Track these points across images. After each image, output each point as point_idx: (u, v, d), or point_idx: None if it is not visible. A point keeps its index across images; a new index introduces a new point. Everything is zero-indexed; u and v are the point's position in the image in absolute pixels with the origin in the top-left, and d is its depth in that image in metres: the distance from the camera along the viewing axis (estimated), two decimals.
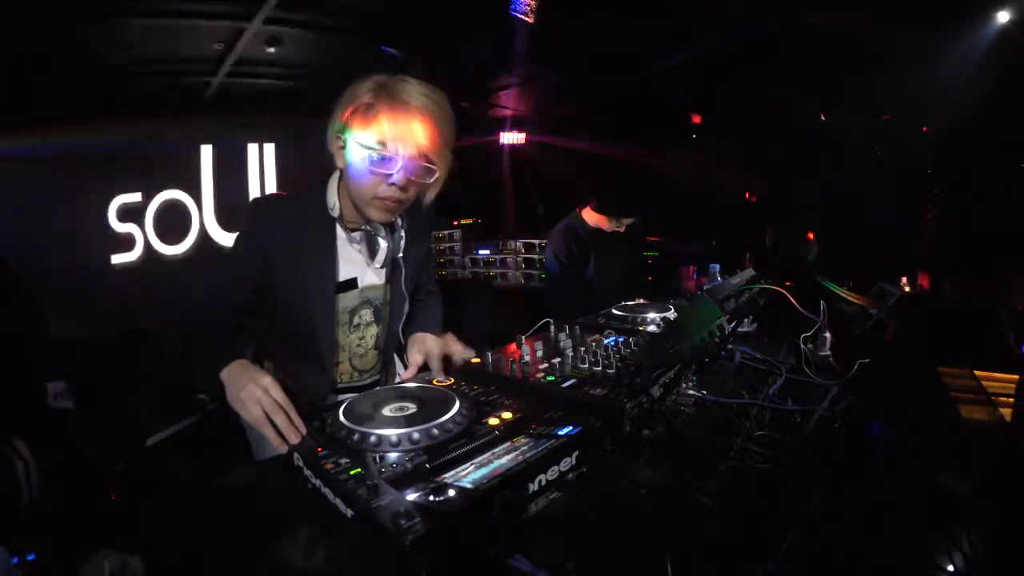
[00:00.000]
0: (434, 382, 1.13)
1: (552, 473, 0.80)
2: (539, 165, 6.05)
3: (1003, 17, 3.64)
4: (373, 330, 1.39)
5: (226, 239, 4.89)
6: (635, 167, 5.06)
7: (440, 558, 0.62)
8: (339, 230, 1.28)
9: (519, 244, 5.03)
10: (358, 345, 1.37)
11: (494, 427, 0.89)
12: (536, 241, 4.92)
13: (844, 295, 1.55)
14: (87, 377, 3.20)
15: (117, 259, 4.33)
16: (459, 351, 1.25)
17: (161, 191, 4.52)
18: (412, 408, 0.95)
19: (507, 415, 0.93)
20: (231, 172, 4.87)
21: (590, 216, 2.84)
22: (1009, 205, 3.89)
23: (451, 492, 0.69)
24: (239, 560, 0.74)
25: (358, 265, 1.32)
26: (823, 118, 5.18)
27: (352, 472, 0.76)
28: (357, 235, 1.29)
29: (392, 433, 0.84)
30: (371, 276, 1.34)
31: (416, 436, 0.84)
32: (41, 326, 2.58)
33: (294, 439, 0.89)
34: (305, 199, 1.29)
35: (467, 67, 4.02)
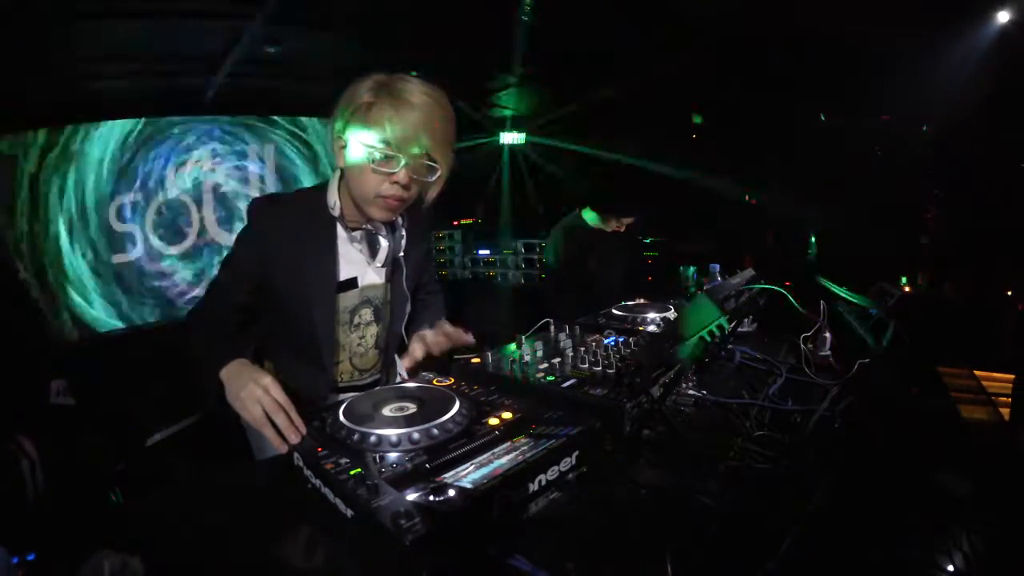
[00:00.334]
0: (434, 382, 1.13)
1: (552, 473, 0.80)
2: (539, 165, 6.05)
3: (1003, 17, 3.64)
4: (373, 329, 1.39)
5: (226, 239, 4.89)
6: (634, 167, 5.06)
7: (440, 558, 0.62)
8: (340, 229, 1.28)
9: (519, 244, 5.03)
10: (358, 344, 1.37)
11: (494, 427, 0.89)
12: (536, 241, 4.92)
13: (844, 295, 1.55)
14: (87, 377, 3.21)
15: (117, 259, 4.33)
16: (452, 331, 1.30)
17: (161, 191, 4.52)
18: (412, 408, 0.95)
19: (507, 415, 0.93)
20: (231, 172, 4.87)
21: (591, 215, 2.84)
22: (1009, 205, 3.89)
23: (451, 492, 0.69)
24: (239, 560, 0.74)
25: (358, 264, 1.32)
26: (823, 118, 5.18)
27: (352, 472, 0.76)
28: (358, 234, 1.30)
29: (392, 433, 0.84)
30: (372, 275, 1.34)
31: (416, 436, 0.84)
32: (40, 325, 2.58)
33: (294, 439, 0.90)
34: (305, 199, 1.29)
35: (467, 67, 4.02)
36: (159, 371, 3.53)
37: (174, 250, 4.63)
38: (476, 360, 1.23)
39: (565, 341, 1.30)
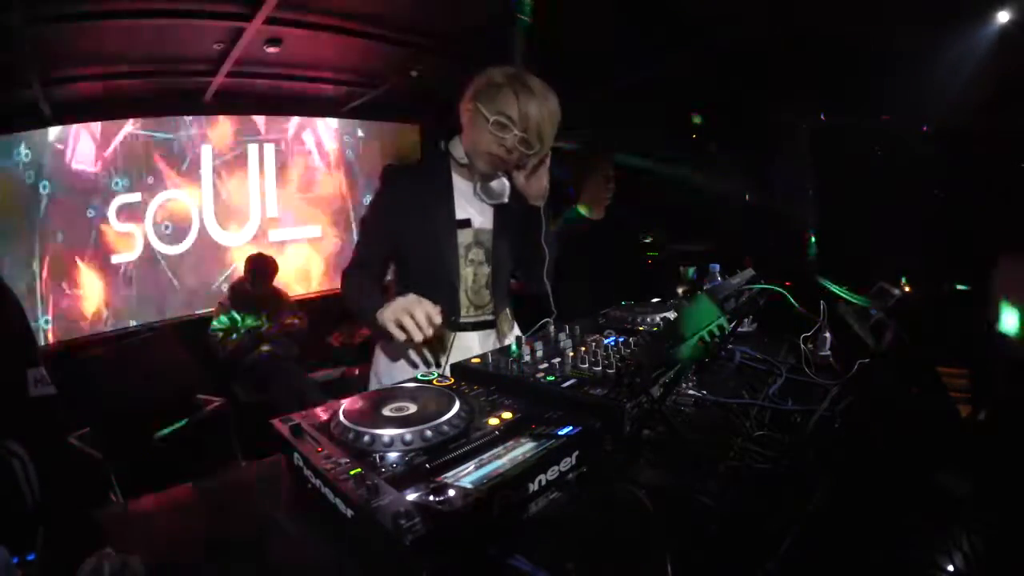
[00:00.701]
0: (434, 382, 1.13)
1: (552, 473, 0.80)
2: None
3: (1003, 17, 3.64)
4: (484, 269, 1.63)
5: (226, 239, 4.89)
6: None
7: (440, 558, 0.62)
8: (456, 179, 1.58)
9: None
10: (473, 280, 1.61)
11: (494, 427, 0.89)
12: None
13: (844, 295, 1.55)
14: (87, 377, 3.21)
15: (117, 259, 4.33)
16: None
17: (161, 191, 4.52)
18: (412, 408, 0.95)
19: (507, 415, 0.93)
20: (231, 172, 4.87)
21: (584, 208, 2.84)
22: (1009, 205, 3.89)
23: (451, 492, 0.69)
24: (239, 560, 0.74)
25: (471, 209, 1.59)
26: (823, 118, 5.18)
27: (352, 472, 0.76)
28: (469, 185, 1.59)
29: (392, 433, 0.84)
30: (482, 220, 1.61)
31: (416, 436, 0.84)
32: (18, 314, 2.57)
33: (417, 337, 1.26)
34: (424, 161, 1.71)
35: (467, 66, 4.01)
36: (159, 371, 3.53)
37: (174, 250, 4.63)
38: (476, 360, 1.23)
39: (565, 341, 1.30)
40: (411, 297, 1.31)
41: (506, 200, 1.59)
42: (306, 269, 5.34)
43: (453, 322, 1.57)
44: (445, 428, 0.87)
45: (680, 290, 2.06)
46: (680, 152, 5.48)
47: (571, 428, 0.86)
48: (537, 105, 1.42)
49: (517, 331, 1.74)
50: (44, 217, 3.93)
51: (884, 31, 3.47)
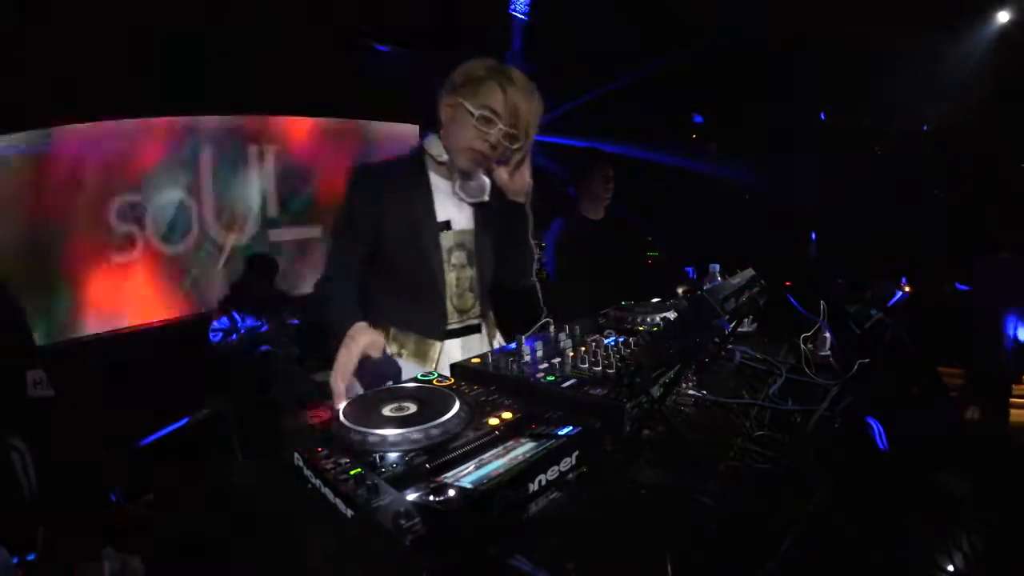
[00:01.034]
0: (434, 382, 1.13)
1: (552, 473, 0.80)
2: (539, 165, 6.04)
3: (1003, 17, 3.64)
4: (468, 272, 1.56)
5: (226, 239, 4.89)
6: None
7: (440, 558, 0.62)
8: (433, 178, 1.51)
9: None
10: (456, 285, 1.54)
11: (494, 427, 0.89)
12: (535, 242, 4.91)
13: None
14: (86, 377, 3.21)
15: (117, 259, 4.33)
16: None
17: (161, 191, 4.51)
18: (412, 408, 0.95)
19: (507, 415, 0.93)
20: (231, 172, 4.87)
21: (585, 210, 2.84)
22: (1009, 205, 3.89)
23: (451, 492, 0.69)
24: (239, 560, 0.74)
25: (451, 209, 1.52)
26: (823, 118, 5.18)
27: (352, 472, 0.76)
28: (447, 183, 1.51)
29: (392, 433, 0.84)
30: (463, 221, 1.54)
31: (416, 436, 0.84)
32: (16, 315, 2.57)
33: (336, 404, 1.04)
34: (399, 159, 1.53)
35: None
36: (158, 371, 3.53)
37: (174, 250, 4.62)
38: (476, 360, 1.23)
39: (565, 341, 1.30)
40: (352, 347, 1.15)
41: (486, 198, 1.52)
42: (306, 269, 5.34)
43: (440, 331, 1.51)
44: (445, 428, 0.87)
45: (680, 290, 2.05)
46: (680, 152, 5.48)
47: (571, 428, 0.86)
48: (523, 98, 1.39)
49: (499, 336, 1.68)
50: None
51: (884, 31, 3.47)
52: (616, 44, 4.06)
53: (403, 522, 0.63)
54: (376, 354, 1.17)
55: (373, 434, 0.85)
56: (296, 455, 0.86)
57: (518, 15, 3.51)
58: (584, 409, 0.94)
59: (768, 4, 3.46)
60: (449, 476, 0.74)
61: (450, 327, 1.55)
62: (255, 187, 5.02)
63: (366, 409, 0.94)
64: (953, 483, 1.13)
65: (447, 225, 1.51)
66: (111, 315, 4.28)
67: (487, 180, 1.50)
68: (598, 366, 1.12)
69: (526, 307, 1.57)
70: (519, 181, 1.47)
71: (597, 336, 1.35)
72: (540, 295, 1.55)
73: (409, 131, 5.75)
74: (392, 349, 1.48)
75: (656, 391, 1.01)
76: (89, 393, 2.97)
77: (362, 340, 1.16)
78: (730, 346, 1.41)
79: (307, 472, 0.82)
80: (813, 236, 5.52)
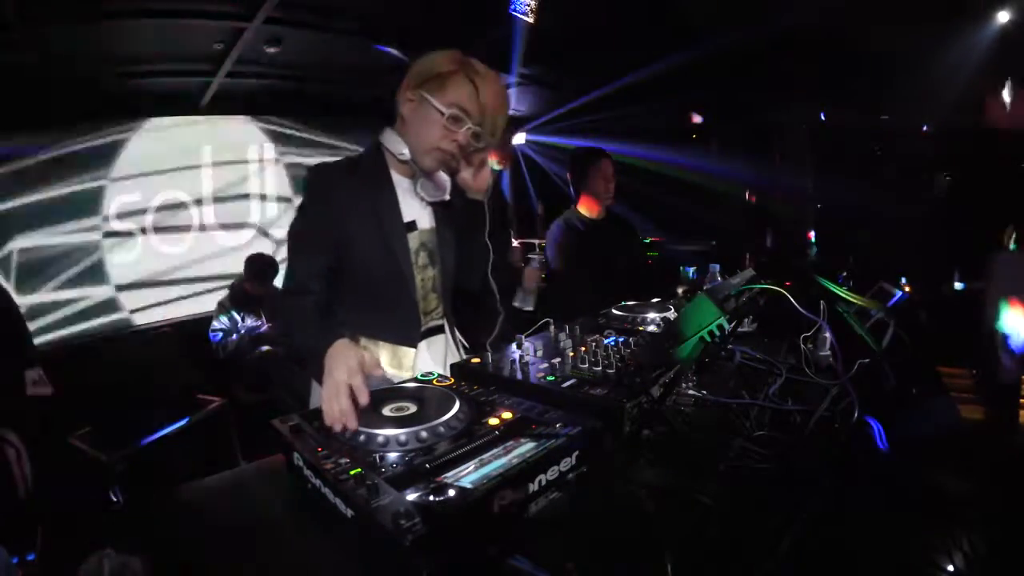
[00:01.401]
0: (434, 382, 1.13)
1: (552, 473, 0.80)
2: (539, 165, 6.05)
3: (1003, 17, 3.64)
4: (430, 272, 1.49)
5: (226, 239, 4.89)
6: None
7: (440, 558, 0.62)
8: (395, 176, 1.42)
9: (518, 244, 5.03)
10: (421, 286, 1.46)
11: (494, 427, 0.89)
12: (536, 241, 4.92)
13: (844, 295, 1.55)
14: (87, 377, 3.21)
15: (117, 259, 4.33)
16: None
17: (161, 191, 4.52)
18: (412, 408, 0.95)
19: (507, 415, 0.93)
20: (231, 172, 4.87)
21: (586, 210, 2.84)
22: (1009, 205, 3.89)
23: (451, 492, 0.69)
24: (239, 560, 0.74)
25: (415, 209, 1.44)
26: (823, 118, 5.18)
27: (352, 472, 0.76)
28: (408, 182, 1.43)
29: (392, 433, 0.84)
30: (425, 220, 1.47)
31: (416, 436, 0.84)
32: (13, 314, 2.57)
33: (336, 428, 0.91)
34: (357, 158, 1.45)
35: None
36: (159, 371, 3.53)
37: (174, 250, 4.62)
38: (476, 360, 1.23)
39: (565, 341, 1.30)
40: (339, 371, 0.98)
41: (447, 197, 1.45)
42: None
43: (414, 337, 1.44)
44: (445, 428, 0.87)
45: (680, 290, 2.06)
46: (680, 152, 5.48)
47: (571, 428, 0.86)
48: (492, 92, 1.31)
49: (459, 335, 1.61)
50: None
51: (884, 31, 3.47)
52: (616, 44, 4.06)
53: (403, 522, 0.63)
54: (377, 372, 1.04)
55: (373, 434, 0.85)
56: (296, 455, 0.86)
57: (518, 15, 3.50)
58: (584, 409, 0.94)
59: (768, 4, 3.46)
60: (449, 476, 0.74)
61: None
62: (255, 187, 5.02)
63: (366, 409, 0.94)
64: (953, 483, 1.13)
65: (413, 226, 1.43)
66: (111, 315, 4.29)
67: (447, 178, 1.43)
68: (598, 366, 1.12)
69: (483, 308, 1.52)
70: (481, 180, 1.41)
71: (597, 336, 1.35)
72: (497, 296, 1.48)
73: None
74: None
75: (656, 391, 1.01)
76: (89, 393, 2.97)
77: (354, 358, 1.01)
78: (730, 346, 1.41)
79: (307, 472, 0.82)
80: (813, 236, 5.52)
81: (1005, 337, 2.59)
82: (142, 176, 4.40)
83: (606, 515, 0.79)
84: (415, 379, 1.17)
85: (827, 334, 1.38)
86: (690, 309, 1.09)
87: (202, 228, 4.75)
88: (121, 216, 4.31)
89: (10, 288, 3.51)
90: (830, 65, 4.05)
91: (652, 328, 1.49)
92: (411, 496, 0.69)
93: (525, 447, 0.82)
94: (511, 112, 1.52)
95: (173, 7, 3.03)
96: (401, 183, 1.43)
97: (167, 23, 3.13)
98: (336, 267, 1.35)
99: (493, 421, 0.91)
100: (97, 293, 4.21)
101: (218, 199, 4.81)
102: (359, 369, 0.99)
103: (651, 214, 4.77)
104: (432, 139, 1.32)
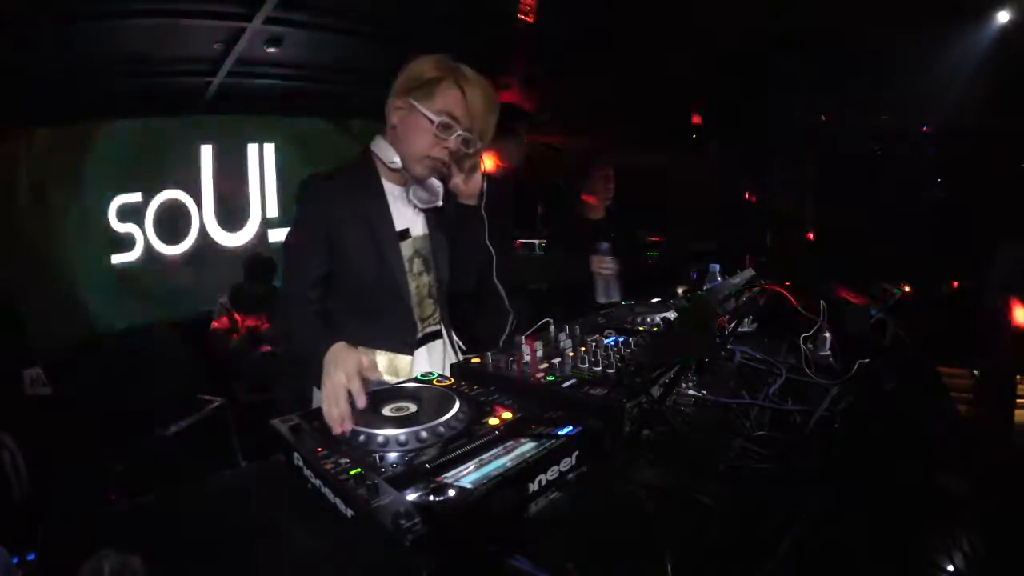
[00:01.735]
0: (434, 382, 1.13)
1: (552, 473, 0.80)
2: (539, 165, 6.04)
3: (1003, 17, 3.64)
4: (425, 279, 1.49)
5: (226, 239, 4.89)
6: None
7: (440, 558, 0.62)
8: (387, 185, 1.42)
9: (518, 244, 5.03)
10: (416, 292, 1.47)
11: (494, 427, 0.89)
12: (536, 241, 4.92)
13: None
14: (87, 376, 3.21)
15: (117, 259, 4.33)
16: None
17: (161, 191, 4.51)
18: (412, 408, 0.95)
19: (507, 415, 0.93)
20: (231, 172, 4.87)
21: (586, 210, 2.84)
22: (1009, 205, 3.89)
23: (451, 492, 0.69)
24: (239, 560, 0.74)
25: (407, 217, 1.44)
26: (823, 118, 5.18)
27: (352, 472, 0.76)
28: (399, 190, 1.43)
29: (392, 433, 0.84)
30: (418, 227, 1.46)
31: (416, 436, 0.84)
32: (12, 314, 2.57)
33: (335, 431, 0.91)
34: (349, 167, 1.44)
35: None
36: (160, 371, 3.53)
37: (174, 250, 4.62)
38: (476, 360, 1.23)
39: (565, 341, 1.30)
40: (338, 374, 0.99)
41: (440, 203, 1.44)
42: None
43: (410, 344, 1.44)
44: (445, 428, 0.87)
45: (680, 290, 2.06)
46: (680, 152, 5.48)
47: (571, 428, 0.86)
48: (480, 96, 1.31)
49: (456, 338, 1.61)
50: None
51: (884, 31, 3.47)
52: (616, 44, 4.06)
53: (403, 522, 0.63)
54: (375, 375, 1.03)
55: (373, 434, 0.85)
56: (296, 455, 0.86)
57: (517, 15, 3.51)
58: (584, 409, 0.94)
59: (768, 4, 3.46)
60: (449, 476, 0.74)
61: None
62: (255, 187, 5.02)
63: (366, 409, 0.94)
64: (953, 483, 1.13)
65: (406, 234, 1.43)
66: (111, 315, 4.29)
67: (439, 185, 1.43)
68: (598, 366, 1.12)
69: (490, 309, 1.53)
70: (472, 185, 1.42)
71: (597, 336, 1.35)
72: (505, 297, 1.50)
73: None
74: None
75: (656, 391, 1.01)
76: (89, 393, 2.97)
77: (352, 361, 1.01)
78: (730, 346, 1.41)
79: (307, 472, 0.82)
80: (813, 236, 5.52)
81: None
82: (142, 176, 4.40)
83: (606, 515, 0.79)
84: (415, 379, 1.17)
85: (827, 334, 1.38)
86: (690, 309, 1.09)
87: (202, 228, 4.74)
88: (121, 216, 4.31)
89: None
90: (830, 65, 4.05)
91: (652, 328, 1.48)
92: (411, 496, 0.69)
93: (525, 447, 0.82)
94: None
95: (173, 7, 3.02)
96: (393, 191, 1.42)
97: (167, 23, 3.13)
98: (329, 277, 1.36)
99: (493, 421, 0.92)
100: (97, 293, 4.21)
101: (218, 199, 4.80)
102: (356, 372, 0.99)
103: (651, 214, 4.77)
104: (423, 147, 1.32)
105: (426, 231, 1.48)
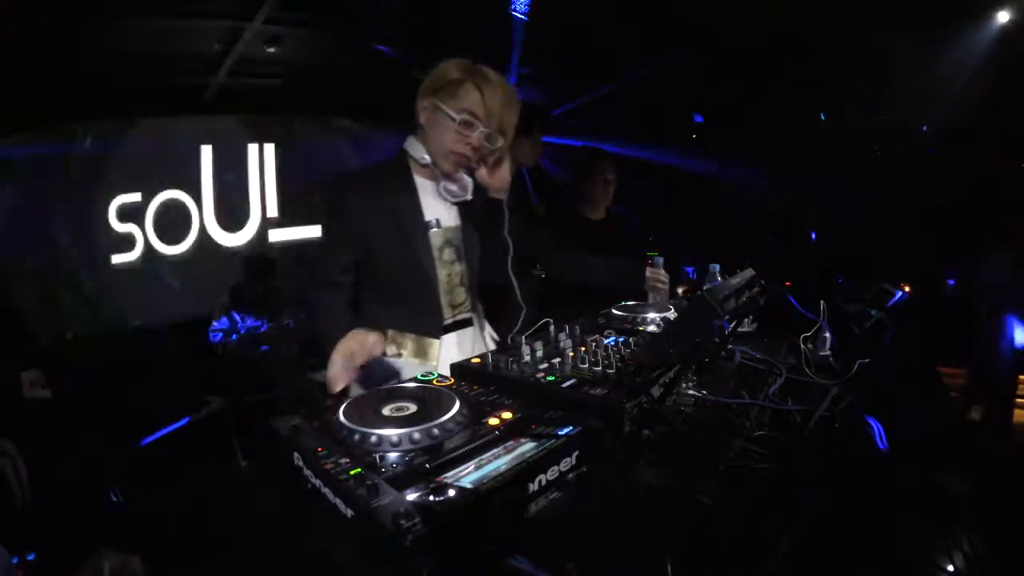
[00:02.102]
0: (434, 382, 1.13)
1: (552, 473, 0.80)
2: (539, 165, 6.03)
3: (1003, 17, 3.64)
4: (458, 267, 1.58)
5: (226, 239, 4.89)
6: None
7: (440, 558, 0.62)
8: (417, 179, 1.52)
9: None
10: (447, 280, 1.56)
11: (494, 427, 0.89)
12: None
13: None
14: (87, 376, 3.21)
15: (117, 259, 4.33)
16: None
17: (161, 191, 4.51)
18: (412, 408, 0.95)
19: (507, 415, 0.93)
20: (231, 172, 4.87)
21: (586, 210, 2.84)
22: (1009, 205, 3.88)
23: (451, 492, 0.69)
24: (239, 560, 0.74)
25: (437, 209, 1.54)
26: (823, 118, 5.18)
27: (352, 472, 0.76)
28: (431, 184, 1.53)
29: (392, 433, 0.84)
30: (449, 218, 1.56)
31: (416, 436, 0.84)
32: (11, 314, 2.57)
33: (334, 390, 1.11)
34: (380, 164, 1.56)
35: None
36: (159, 371, 3.53)
37: (174, 251, 4.62)
38: (476, 360, 1.23)
39: (565, 341, 1.30)
40: (337, 350, 1.18)
41: (469, 197, 1.55)
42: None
43: (437, 329, 1.54)
44: (445, 428, 0.87)
45: (680, 290, 2.05)
46: (680, 152, 5.48)
47: (571, 428, 0.86)
48: (500, 96, 1.41)
49: (489, 328, 1.72)
50: None
51: (884, 31, 3.46)
52: (616, 44, 4.06)
53: (403, 522, 0.63)
54: (377, 351, 1.19)
55: (373, 434, 0.85)
56: (296, 455, 0.86)
57: (518, 15, 3.50)
58: (584, 409, 0.94)
59: (768, 4, 3.46)
60: (449, 476, 0.74)
61: (444, 323, 1.57)
62: (255, 187, 5.02)
63: (366, 409, 0.94)
64: (953, 483, 1.13)
65: (436, 224, 1.53)
66: (111, 315, 4.29)
67: (469, 179, 1.52)
68: (598, 366, 1.12)
69: (505, 302, 1.57)
70: (499, 178, 1.51)
71: (597, 336, 1.35)
72: (519, 290, 1.56)
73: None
74: (391, 350, 1.49)
75: (656, 391, 1.01)
76: (89, 393, 2.97)
77: (354, 341, 1.18)
78: (730, 346, 1.41)
79: (307, 472, 0.82)
80: (813, 236, 5.52)
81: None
82: (142, 176, 4.40)
83: (606, 515, 0.79)
84: (415, 379, 1.17)
85: (827, 334, 1.38)
86: (690, 309, 1.09)
87: (202, 228, 4.74)
88: (121, 216, 4.31)
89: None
90: (830, 65, 4.05)
91: (652, 328, 1.48)
92: (411, 496, 0.69)
93: (525, 447, 0.82)
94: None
95: (173, 7, 3.03)
96: (424, 185, 1.52)
97: (167, 23, 3.13)
98: (361, 264, 1.49)
99: (493, 421, 0.91)
100: (97, 293, 4.21)
101: (218, 199, 4.80)
102: (351, 349, 1.13)
103: (651, 214, 4.76)
104: (447, 143, 1.43)
105: (458, 223, 1.58)
